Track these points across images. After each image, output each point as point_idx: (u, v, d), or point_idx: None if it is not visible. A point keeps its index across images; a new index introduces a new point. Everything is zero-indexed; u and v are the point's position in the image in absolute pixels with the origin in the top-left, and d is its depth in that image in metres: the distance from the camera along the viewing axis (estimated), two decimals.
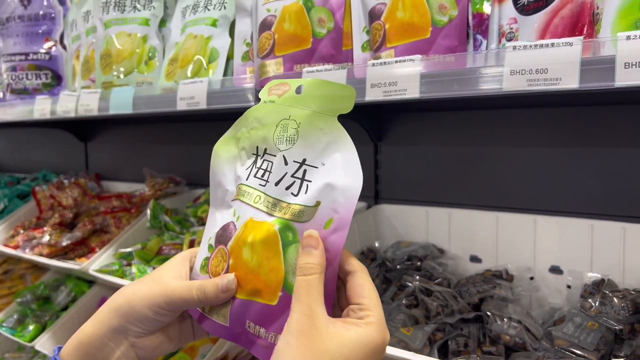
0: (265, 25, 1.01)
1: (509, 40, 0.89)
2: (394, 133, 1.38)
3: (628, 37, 0.66)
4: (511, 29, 0.90)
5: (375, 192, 1.43)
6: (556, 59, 0.70)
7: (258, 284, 0.51)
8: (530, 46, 0.73)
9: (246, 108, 1.11)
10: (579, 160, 1.10)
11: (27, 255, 1.62)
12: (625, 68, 0.66)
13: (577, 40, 0.70)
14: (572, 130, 1.10)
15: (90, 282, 1.79)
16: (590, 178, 1.09)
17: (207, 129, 1.79)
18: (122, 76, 1.29)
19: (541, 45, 0.72)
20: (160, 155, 1.97)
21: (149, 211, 1.58)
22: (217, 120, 1.72)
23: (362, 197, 1.32)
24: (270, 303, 0.50)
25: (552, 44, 0.71)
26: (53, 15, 1.59)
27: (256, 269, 0.51)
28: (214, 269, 0.55)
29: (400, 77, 0.83)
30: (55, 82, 1.59)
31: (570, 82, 0.69)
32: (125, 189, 2.00)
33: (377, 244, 1.31)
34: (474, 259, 1.24)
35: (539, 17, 0.85)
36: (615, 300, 0.98)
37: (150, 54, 1.28)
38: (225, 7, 1.14)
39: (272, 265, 0.51)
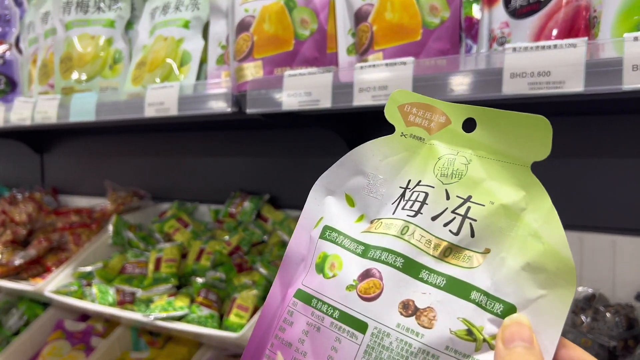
0: (242, 27, 0.95)
1: (501, 44, 0.85)
2: None
3: (636, 38, 0.63)
4: (502, 33, 0.86)
5: None
6: (559, 61, 0.67)
7: None
8: (532, 48, 0.69)
9: (221, 114, 1.05)
10: (568, 171, 1.07)
11: None
12: (633, 70, 0.62)
13: (581, 42, 0.66)
14: (561, 141, 1.08)
15: (45, 304, 1.66)
16: (579, 190, 1.06)
17: (174, 140, 1.70)
18: (84, 81, 1.20)
19: (543, 47, 0.68)
20: (123, 167, 1.86)
21: (111, 227, 1.48)
22: (185, 130, 1.64)
23: None
24: None
25: (555, 46, 0.67)
26: (8, 17, 1.48)
27: None
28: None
29: (391, 80, 0.78)
30: (9, 88, 1.48)
31: (575, 85, 0.66)
32: (85, 203, 1.88)
33: None
34: None
35: (532, 21, 0.82)
36: (608, 315, 0.95)
37: (115, 58, 1.20)
38: (198, 8, 1.07)
39: None
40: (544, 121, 0.37)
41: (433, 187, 0.40)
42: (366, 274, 0.38)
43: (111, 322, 1.50)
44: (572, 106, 1.00)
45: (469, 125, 0.40)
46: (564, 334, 1.10)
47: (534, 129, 0.38)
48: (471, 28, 0.93)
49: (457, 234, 0.38)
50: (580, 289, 1.01)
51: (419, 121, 0.42)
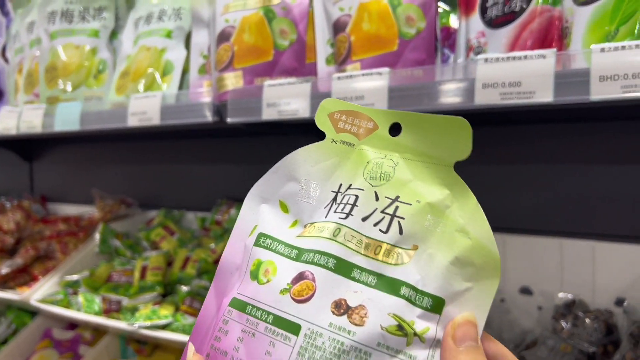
0: (223, 37, 0.96)
1: (477, 54, 0.86)
2: None
3: (602, 50, 0.64)
4: (479, 42, 0.87)
5: None
6: (530, 71, 0.68)
7: None
8: (503, 58, 0.70)
9: (203, 124, 1.05)
10: (548, 178, 1.08)
11: None
12: (600, 81, 0.63)
13: (550, 53, 0.67)
14: (540, 147, 1.09)
15: (33, 313, 1.66)
16: (559, 196, 1.07)
17: (161, 148, 1.70)
18: (69, 91, 1.21)
19: (514, 58, 0.69)
20: (111, 175, 1.86)
21: (98, 235, 1.48)
22: (171, 138, 1.64)
23: None
24: None
25: (525, 56, 0.68)
26: None
27: None
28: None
29: (367, 90, 0.78)
30: None
31: (545, 95, 0.67)
32: (74, 211, 1.88)
33: None
34: None
35: (508, 31, 0.83)
36: (587, 321, 0.96)
37: (100, 67, 1.20)
38: (180, 18, 1.08)
39: None
40: (464, 122, 0.39)
41: (363, 190, 0.41)
42: (299, 277, 0.39)
43: (99, 331, 1.50)
44: (552, 114, 1.02)
45: (395, 129, 0.42)
46: (545, 340, 1.09)
47: (454, 130, 0.39)
48: (448, 37, 0.94)
49: (386, 232, 0.39)
50: (560, 294, 1.02)
51: (348, 127, 0.44)
